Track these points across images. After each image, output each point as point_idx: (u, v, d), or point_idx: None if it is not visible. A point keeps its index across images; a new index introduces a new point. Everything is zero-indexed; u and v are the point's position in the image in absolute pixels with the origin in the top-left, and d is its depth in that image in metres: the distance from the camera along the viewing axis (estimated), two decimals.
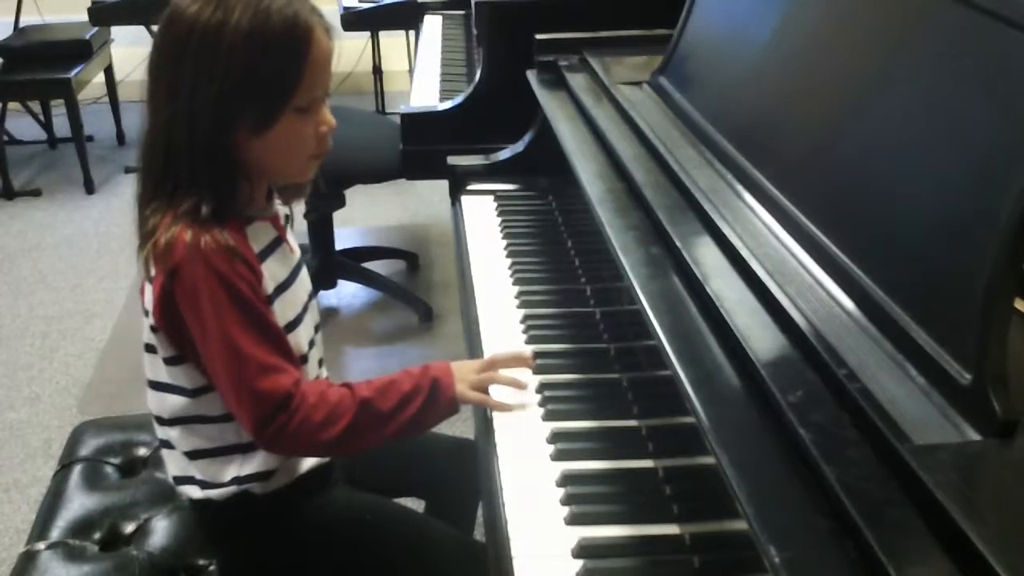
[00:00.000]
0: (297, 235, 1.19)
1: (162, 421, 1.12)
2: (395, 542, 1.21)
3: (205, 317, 0.99)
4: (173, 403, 1.09)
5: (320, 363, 1.20)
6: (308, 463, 1.16)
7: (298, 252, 1.17)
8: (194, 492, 1.13)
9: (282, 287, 1.09)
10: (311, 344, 1.16)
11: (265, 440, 1.04)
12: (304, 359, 1.12)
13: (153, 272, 1.02)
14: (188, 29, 0.98)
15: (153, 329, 1.06)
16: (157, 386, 1.10)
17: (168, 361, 1.07)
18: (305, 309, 1.14)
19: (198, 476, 1.11)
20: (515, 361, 1.16)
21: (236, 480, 1.10)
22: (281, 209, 1.17)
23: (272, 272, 1.07)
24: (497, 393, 1.12)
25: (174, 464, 1.14)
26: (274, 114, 1.01)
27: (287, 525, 1.15)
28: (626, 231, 1.10)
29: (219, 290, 0.98)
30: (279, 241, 1.11)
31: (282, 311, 1.08)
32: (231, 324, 0.99)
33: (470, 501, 1.41)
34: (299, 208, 1.25)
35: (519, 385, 1.13)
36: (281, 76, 1.00)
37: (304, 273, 1.16)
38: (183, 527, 1.24)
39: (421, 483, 1.39)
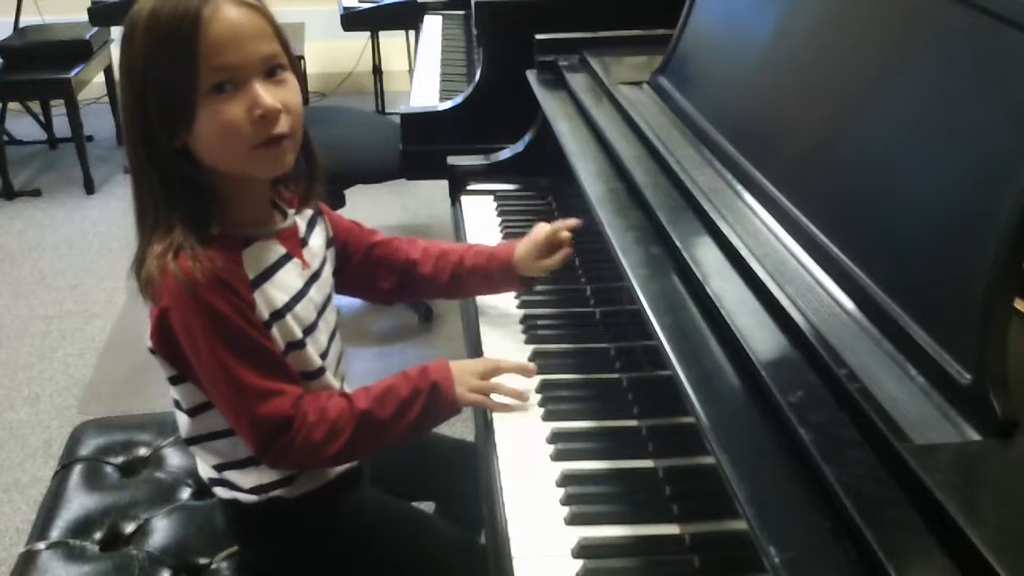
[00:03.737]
0: None
1: (185, 441, 1.13)
2: (422, 544, 1.21)
3: (200, 348, 0.98)
4: (184, 421, 1.10)
5: (338, 363, 1.18)
6: (337, 468, 1.15)
7: (315, 263, 1.12)
8: (223, 492, 1.13)
9: (280, 312, 1.04)
10: (324, 354, 1.12)
11: (268, 460, 1.05)
12: (320, 371, 1.10)
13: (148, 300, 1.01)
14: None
15: (152, 351, 1.05)
16: (176, 405, 1.10)
17: (171, 380, 1.07)
18: (317, 321, 1.10)
19: (228, 481, 1.12)
20: (517, 371, 1.15)
21: (260, 488, 1.10)
22: (299, 220, 1.13)
23: (269, 298, 1.03)
24: (496, 396, 1.12)
25: (203, 471, 1.15)
26: (186, 102, 0.94)
27: (314, 527, 1.15)
28: (626, 231, 1.10)
29: (210, 323, 0.97)
30: (287, 258, 1.07)
31: (283, 333, 1.05)
32: (225, 355, 0.97)
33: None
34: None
35: (522, 398, 1.12)
36: (175, 58, 0.93)
37: (319, 283, 1.12)
38: (183, 527, 1.24)
39: (435, 489, 1.39)
